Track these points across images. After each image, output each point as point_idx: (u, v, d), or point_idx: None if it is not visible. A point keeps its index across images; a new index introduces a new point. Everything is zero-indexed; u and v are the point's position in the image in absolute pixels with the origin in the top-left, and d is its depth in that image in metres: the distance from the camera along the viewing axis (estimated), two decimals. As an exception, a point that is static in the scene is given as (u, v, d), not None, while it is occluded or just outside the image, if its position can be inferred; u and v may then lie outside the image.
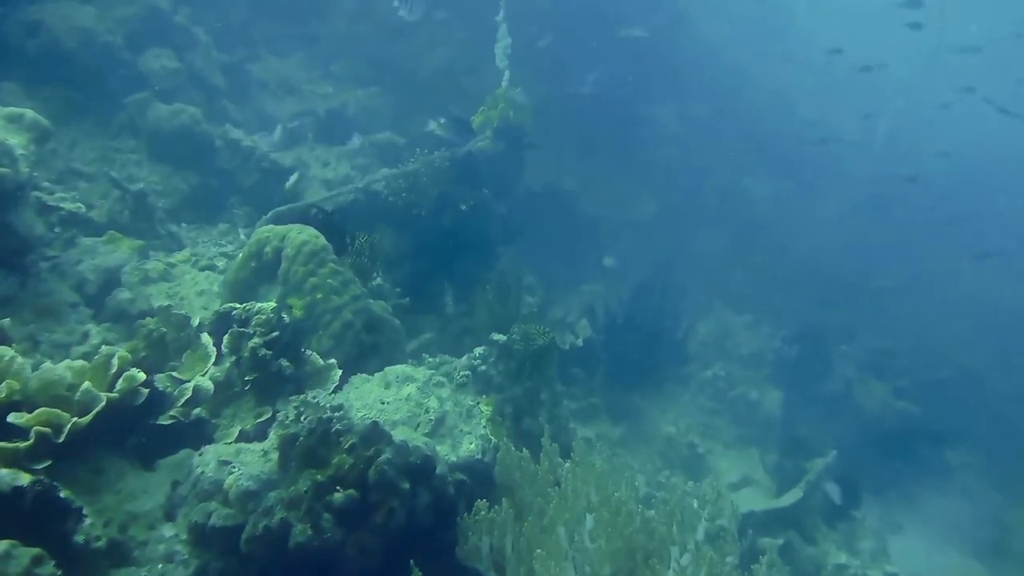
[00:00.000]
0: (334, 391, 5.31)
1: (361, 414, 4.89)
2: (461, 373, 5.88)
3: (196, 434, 4.96)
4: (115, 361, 4.69)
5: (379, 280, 7.62)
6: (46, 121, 6.48)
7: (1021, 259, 16.06)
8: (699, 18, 16.55)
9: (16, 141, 6.14)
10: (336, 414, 4.48)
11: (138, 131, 9.16)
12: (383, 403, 5.02)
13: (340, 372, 5.42)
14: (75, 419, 4.23)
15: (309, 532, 4.11)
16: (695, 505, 6.49)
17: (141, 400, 4.64)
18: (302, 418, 4.46)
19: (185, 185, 9.05)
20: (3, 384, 4.24)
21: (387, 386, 5.23)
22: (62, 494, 3.90)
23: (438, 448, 4.87)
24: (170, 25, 10.25)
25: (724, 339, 13.00)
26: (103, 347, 4.88)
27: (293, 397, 4.74)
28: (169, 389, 5.06)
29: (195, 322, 5.63)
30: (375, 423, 4.50)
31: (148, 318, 5.74)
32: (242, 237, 8.54)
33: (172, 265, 7.17)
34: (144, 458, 4.73)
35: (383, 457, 4.39)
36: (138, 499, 4.38)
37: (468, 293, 8.93)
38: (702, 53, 16.01)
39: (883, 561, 8.95)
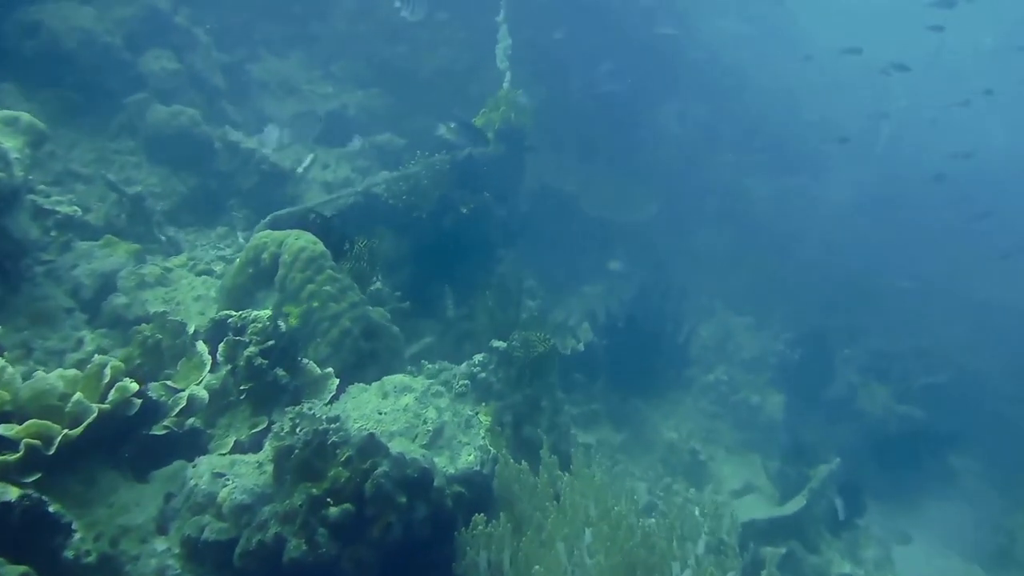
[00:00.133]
0: (331, 401, 5.24)
1: (358, 425, 4.82)
2: (460, 382, 5.80)
3: (190, 444, 4.88)
4: (108, 371, 4.61)
5: (378, 284, 7.56)
6: (42, 124, 6.42)
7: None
8: (700, 18, 16.47)
9: (11, 145, 6.08)
10: (332, 426, 4.42)
11: (137, 132, 9.09)
12: (380, 413, 4.95)
13: (337, 381, 5.35)
14: (66, 431, 4.15)
15: (304, 547, 4.04)
16: (696, 513, 6.42)
17: (134, 411, 4.56)
18: (297, 430, 4.39)
19: (183, 187, 8.98)
20: (-7, 395, 4.17)
21: (385, 396, 5.16)
22: (51, 508, 3.83)
23: (436, 460, 4.80)
24: (170, 26, 10.18)
25: (726, 342, 12.92)
26: (96, 356, 4.81)
27: (289, 408, 4.67)
28: (163, 398, 4.98)
29: (191, 329, 5.56)
30: (372, 435, 4.43)
31: (143, 324, 5.66)
32: (240, 240, 8.47)
33: (169, 270, 7.11)
34: (137, 469, 4.65)
35: (380, 470, 4.32)
36: (130, 512, 4.31)
37: (469, 296, 8.85)
38: (703, 53, 15.93)
39: (887, 570, 8.87)
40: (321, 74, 12.85)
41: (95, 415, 4.28)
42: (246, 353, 5.11)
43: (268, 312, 5.35)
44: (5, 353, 5.12)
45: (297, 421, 4.43)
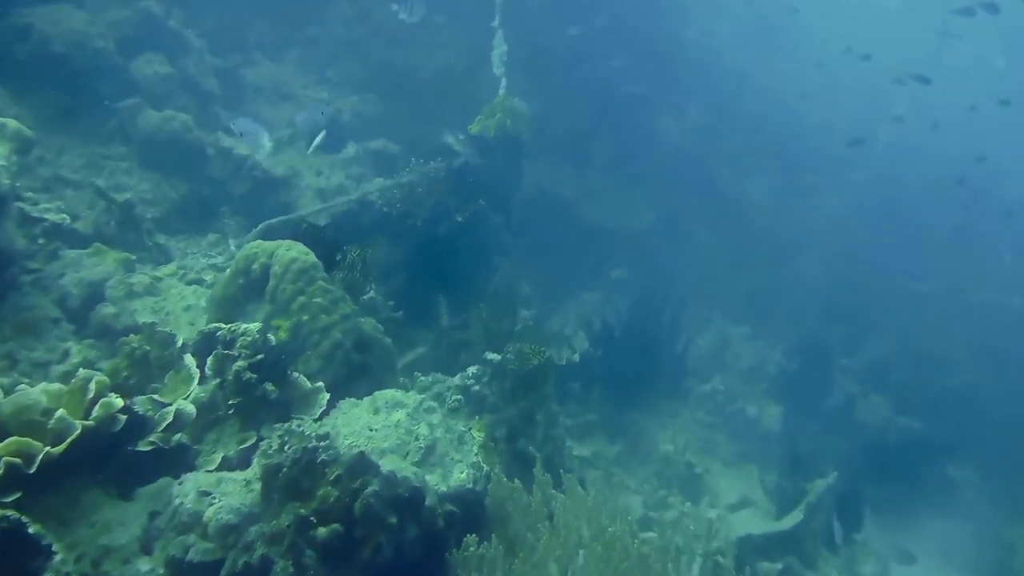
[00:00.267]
0: (321, 416, 5.14)
1: (349, 441, 4.72)
2: (453, 398, 5.70)
3: (177, 460, 4.77)
4: (92, 385, 4.50)
5: (372, 294, 7.46)
6: (29, 131, 6.32)
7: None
8: (700, 21, 16.41)
9: (-3, 152, 5.98)
10: (321, 443, 4.32)
11: (129, 138, 8.98)
12: (371, 430, 4.85)
13: (328, 396, 5.25)
14: (48, 448, 4.05)
15: (291, 570, 3.95)
16: (692, 527, 6.32)
17: (119, 427, 4.45)
18: (286, 448, 4.29)
19: (175, 193, 8.86)
20: (-27, 411, 4.07)
21: (376, 412, 5.05)
22: (31, 529, 3.72)
23: (428, 477, 4.70)
24: (163, 30, 10.08)
25: (723, 351, 12.82)
26: (81, 370, 4.70)
27: (277, 424, 4.57)
28: (150, 413, 4.87)
29: (179, 342, 5.45)
30: (362, 453, 4.34)
31: (132, 335, 5.55)
32: (232, 248, 8.35)
33: (159, 279, 6.99)
34: (121, 486, 4.53)
35: (370, 489, 4.23)
36: (113, 531, 4.20)
37: (463, 305, 8.75)
38: (702, 56, 15.87)
39: (886, 586, 8.80)
40: (316, 79, 12.75)
41: (78, 432, 4.17)
42: (235, 367, 5.00)
43: (258, 325, 5.25)
44: (-12, 366, 5.02)
45: (286, 438, 4.33)
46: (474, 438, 5.24)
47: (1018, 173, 19.22)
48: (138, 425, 4.74)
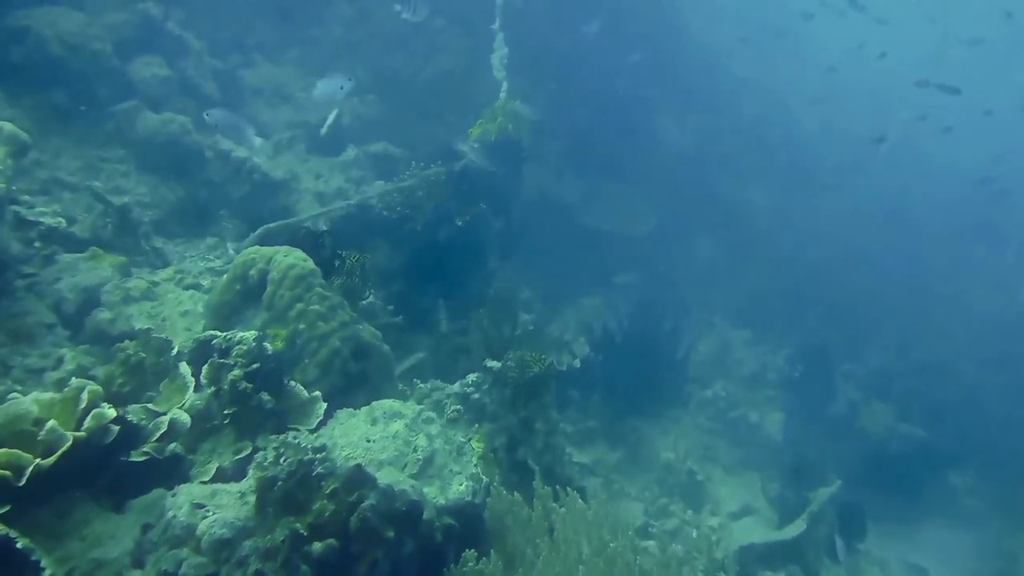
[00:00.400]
0: (318, 426, 5.06)
1: (346, 453, 4.64)
2: (452, 407, 5.63)
3: (171, 471, 4.69)
4: (85, 395, 4.42)
5: (371, 298, 7.38)
6: (24, 134, 6.24)
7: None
8: (701, 26, 16.35)
9: (-8, 155, 5.90)
10: (318, 456, 4.24)
11: (126, 140, 8.90)
12: (369, 441, 4.76)
13: (325, 405, 5.16)
14: (38, 460, 3.97)
15: (285, 586, 3.86)
16: (694, 536, 6.25)
17: (111, 438, 4.37)
18: (281, 460, 4.21)
19: (173, 196, 8.78)
20: (-37, 421, 3.99)
21: (374, 422, 4.97)
22: (19, 544, 3.63)
23: (426, 490, 4.62)
24: (161, 32, 10.01)
25: (724, 356, 12.74)
26: (73, 379, 4.61)
27: (273, 436, 4.49)
28: (144, 422, 4.79)
29: (175, 349, 5.37)
30: (359, 466, 4.26)
31: (127, 342, 5.48)
32: (231, 251, 8.28)
33: (155, 283, 6.91)
34: (114, 498, 4.45)
35: (366, 503, 4.16)
36: (105, 545, 4.12)
37: (463, 310, 8.69)
38: (704, 61, 15.80)
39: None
40: (316, 81, 12.63)
41: (69, 444, 4.09)
42: (230, 376, 4.92)
43: (254, 333, 5.16)
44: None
45: (281, 451, 4.25)
46: (473, 449, 5.17)
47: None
48: (131, 435, 4.66)
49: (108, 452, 4.47)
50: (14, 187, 6.67)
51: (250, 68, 12.05)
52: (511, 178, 10.14)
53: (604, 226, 13.38)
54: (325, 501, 4.12)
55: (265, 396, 4.96)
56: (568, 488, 4.62)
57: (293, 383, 5.28)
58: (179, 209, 8.76)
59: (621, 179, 14.11)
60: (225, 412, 4.94)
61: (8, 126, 6.20)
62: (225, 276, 6.22)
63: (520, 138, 9.87)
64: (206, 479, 4.64)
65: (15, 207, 6.56)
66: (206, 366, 5.09)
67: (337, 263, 6.49)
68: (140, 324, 6.27)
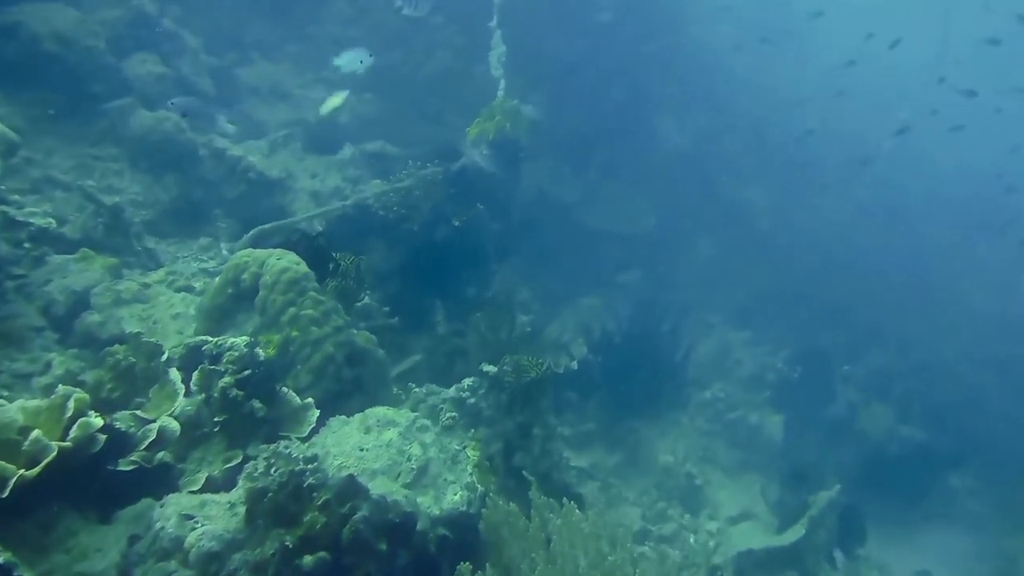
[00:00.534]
0: (311, 434, 4.96)
1: (339, 462, 4.54)
2: (448, 414, 5.53)
3: (159, 480, 4.59)
4: (72, 403, 4.32)
5: (366, 300, 7.28)
6: (12, 133, 6.15)
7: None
8: (701, 25, 16.23)
9: (-20, 155, 5.79)
10: (309, 466, 4.15)
11: (120, 138, 8.78)
12: (362, 450, 4.66)
13: (317, 413, 5.06)
14: (22, 471, 3.87)
15: (275, 601, 3.78)
16: (692, 540, 6.16)
17: (98, 447, 4.27)
18: (272, 471, 4.11)
19: (166, 196, 8.66)
20: (-55, 431, 3.89)
21: (367, 431, 4.87)
22: (1, 558, 3.55)
23: (420, 500, 4.53)
24: (157, 29, 9.88)
25: (723, 357, 12.65)
26: (60, 386, 4.50)
27: (264, 445, 4.39)
28: (132, 429, 4.69)
29: (165, 355, 5.27)
30: (351, 477, 4.17)
31: (116, 346, 5.38)
32: (224, 252, 8.17)
33: (147, 286, 6.80)
34: (100, 508, 4.36)
35: (359, 515, 4.07)
36: (90, 558, 4.03)
37: (460, 311, 8.60)
38: (703, 60, 15.69)
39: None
40: (313, 78, 12.54)
41: (54, 454, 3.99)
42: (221, 383, 4.82)
43: (245, 339, 5.07)
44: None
45: (272, 461, 4.16)
46: (468, 457, 5.07)
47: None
48: (119, 442, 4.56)
49: (95, 461, 4.37)
50: (3, 187, 6.58)
51: (247, 66, 11.94)
52: (509, 178, 10.04)
53: (603, 226, 13.29)
54: (316, 513, 4.03)
55: (256, 404, 4.86)
56: (565, 499, 4.52)
57: (285, 389, 5.18)
58: (173, 208, 8.65)
59: (621, 179, 14.01)
60: (215, 420, 4.84)
61: (-3, 126, 6.10)
62: (217, 279, 6.12)
63: (519, 137, 9.77)
64: (195, 489, 4.55)
65: (3, 207, 6.46)
66: (196, 372, 5.00)
67: (332, 265, 6.39)
68: (131, 327, 6.17)
